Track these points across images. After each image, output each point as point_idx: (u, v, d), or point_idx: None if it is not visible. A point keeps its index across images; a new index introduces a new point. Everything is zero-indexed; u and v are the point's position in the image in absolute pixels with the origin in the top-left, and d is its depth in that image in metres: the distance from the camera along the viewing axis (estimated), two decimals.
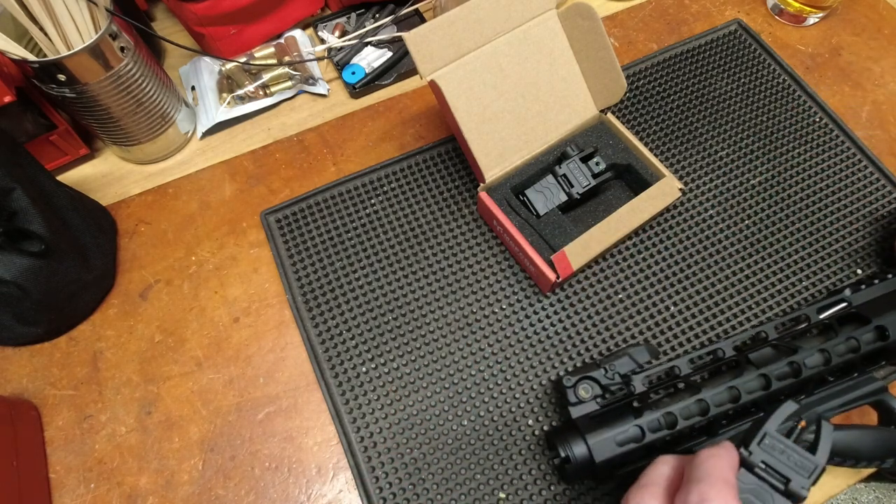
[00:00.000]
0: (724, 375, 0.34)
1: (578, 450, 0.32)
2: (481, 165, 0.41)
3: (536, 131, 0.43)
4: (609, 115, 0.45)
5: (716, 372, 0.36)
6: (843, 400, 0.34)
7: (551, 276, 0.39)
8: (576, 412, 0.34)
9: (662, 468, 0.27)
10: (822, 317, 0.36)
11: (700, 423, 0.33)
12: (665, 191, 0.41)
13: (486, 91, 0.41)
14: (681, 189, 0.41)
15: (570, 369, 0.40)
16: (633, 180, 0.44)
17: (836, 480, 0.37)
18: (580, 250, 0.39)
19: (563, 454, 0.33)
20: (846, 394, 0.34)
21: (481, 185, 0.42)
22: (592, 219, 0.41)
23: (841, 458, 0.33)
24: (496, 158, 0.42)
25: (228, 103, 0.50)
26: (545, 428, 0.38)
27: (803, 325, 0.36)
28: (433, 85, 0.39)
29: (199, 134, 0.51)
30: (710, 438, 0.33)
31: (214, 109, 0.50)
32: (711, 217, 0.46)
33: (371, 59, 0.53)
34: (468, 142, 0.40)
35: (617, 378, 0.35)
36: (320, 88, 0.52)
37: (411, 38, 0.38)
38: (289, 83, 0.52)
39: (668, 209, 0.46)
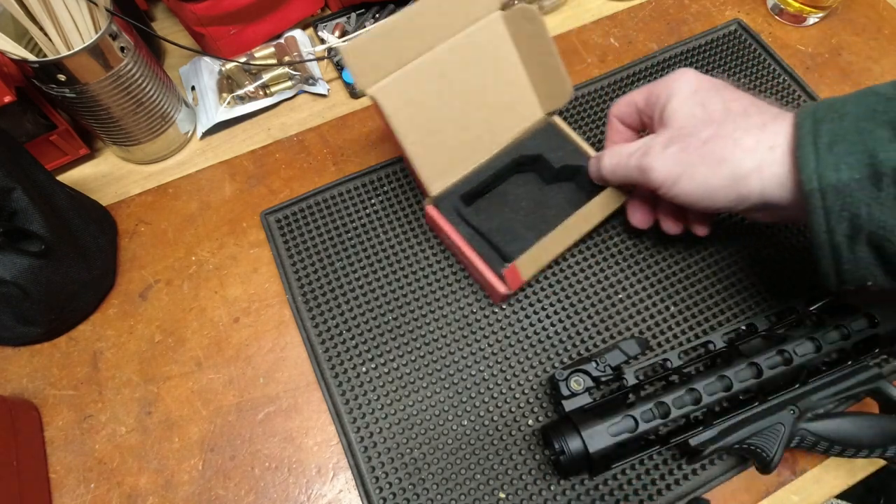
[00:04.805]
0: (717, 367, 0.34)
1: (573, 442, 0.32)
2: (424, 179, 0.39)
3: (483, 139, 0.42)
4: (555, 117, 0.44)
5: (709, 365, 0.37)
6: (838, 388, 0.34)
7: (502, 288, 0.38)
8: (569, 405, 0.34)
9: None
10: (811, 308, 0.36)
11: (694, 413, 0.33)
12: (613, 195, 0.40)
13: (430, 101, 0.39)
14: (629, 191, 0.40)
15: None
16: (586, 182, 0.42)
17: (837, 480, 0.37)
18: (531, 262, 0.38)
19: (557, 447, 0.33)
20: (841, 382, 0.34)
21: (426, 198, 0.41)
22: (543, 222, 0.40)
23: (841, 446, 0.33)
24: (442, 170, 0.40)
25: (228, 103, 0.50)
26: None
27: (793, 317, 0.36)
28: (373, 100, 0.37)
29: (199, 134, 0.51)
30: (706, 429, 0.33)
31: (214, 109, 0.50)
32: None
33: None
34: (410, 156, 0.38)
35: (608, 370, 0.35)
36: (320, 88, 0.52)
37: (348, 49, 0.35)
38: (289, 83, 0.52)
39: None
